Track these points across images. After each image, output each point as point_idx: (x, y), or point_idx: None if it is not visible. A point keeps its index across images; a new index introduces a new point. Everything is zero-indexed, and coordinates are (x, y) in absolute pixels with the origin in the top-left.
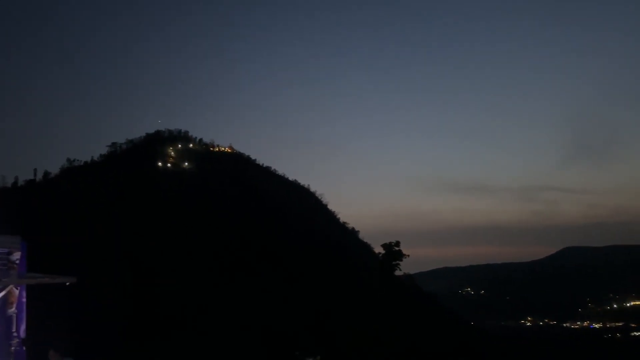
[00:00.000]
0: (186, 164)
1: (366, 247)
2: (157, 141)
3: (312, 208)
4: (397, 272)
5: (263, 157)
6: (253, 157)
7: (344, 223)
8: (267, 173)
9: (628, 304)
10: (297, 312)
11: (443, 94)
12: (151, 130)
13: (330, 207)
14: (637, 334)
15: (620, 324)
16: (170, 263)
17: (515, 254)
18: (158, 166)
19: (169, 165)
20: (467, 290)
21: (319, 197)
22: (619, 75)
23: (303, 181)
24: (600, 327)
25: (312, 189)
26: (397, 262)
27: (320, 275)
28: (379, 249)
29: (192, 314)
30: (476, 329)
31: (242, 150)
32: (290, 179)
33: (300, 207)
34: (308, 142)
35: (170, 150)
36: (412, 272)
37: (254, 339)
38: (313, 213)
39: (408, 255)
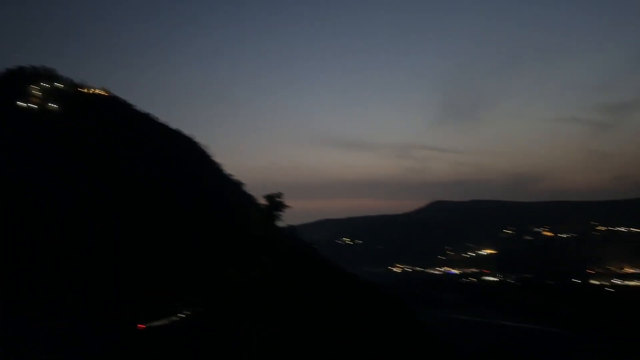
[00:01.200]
0: (52, 105)
1: (250, 199)
2: (20, 78)
3: (195, 158)
4: (280, 223)
5: (144, 103)
6: (131, 102)
7: (229, 175)
8: (146, 120)
9: (484, 253)
10: (175, 261)
11: (326, 52)
12: (12, 66)
13: (216, 159)
14: (487, 278)
15: (475, 270)
16: None
17: (391, 206)
18: (18, 105)
19: (31, 105)
20: (345, 240)
21: (203, 148)
22: (486, 44)
23: (188, 131)
24: (458, 272)
25: (197, 140)
26: (279, 212)
27: (199, 225)
28: (263, 201)
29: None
30: (348, 274)
31: (120, 94)
32: (173, 127)
33: (181, 156)
34: (195, 92)
35: (33, 89)
36: (295, 223)
37: (129, 291)
38: (196, 164)
39: (290, 207)
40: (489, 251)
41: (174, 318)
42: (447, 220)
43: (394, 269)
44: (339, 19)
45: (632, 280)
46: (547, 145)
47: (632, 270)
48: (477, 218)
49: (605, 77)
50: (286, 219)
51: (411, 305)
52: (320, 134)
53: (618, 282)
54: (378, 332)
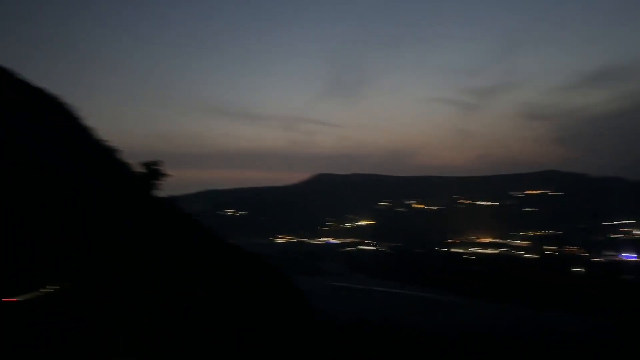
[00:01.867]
0: None
1: (126, 167)
2: None
3: (60, 120)
4: (160, 193)
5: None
6: None
7: (101, 140)
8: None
9: (362, 223)
10: (43, 230)
11: (214, 18)
12: None
13: (88, 122)
14: (364, 247)
15: (354, 240)
16: None
17: (275, 178)
18: None
19: None
20: (229, 212)
21: (70, 109)
22: (371, 22)
23: (58, 91)
24: (337, 241)
25: (64, 100)
26: (157, 181)
27: (68, 192)
28: (140, 169)
29: None
30: (230, 245)
31: None
32: (34, 85)
33: (42, 116)
34: (68, 50)
35: None
36: (176, 194)
37: None
38: (60, 127)
39: (170, 175)
40: (367, 222)
41: (39, 292)
42: (330, 193)
43: (278, 240)
44: None
45: (488, 249)
46: (422, 123)
47: (488, 240)
48: (357, 191)
49: (475, 63)
50: (166, 189)
51: (292, 274)
52: (205, 102)
53: (476, 250)
54: (255, 301)
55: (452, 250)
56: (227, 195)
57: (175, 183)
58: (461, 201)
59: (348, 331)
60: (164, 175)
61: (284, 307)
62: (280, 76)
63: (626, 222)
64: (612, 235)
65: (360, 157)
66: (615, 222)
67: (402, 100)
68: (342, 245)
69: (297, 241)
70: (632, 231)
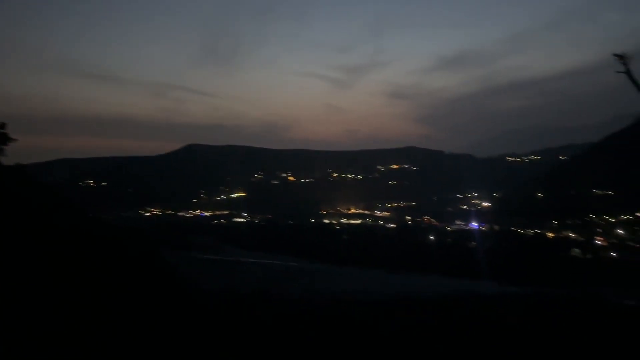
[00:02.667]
0: None
1: None
2: None
3: None
4: (4, 160)
5: None
6: None
7: None
8: None
9: (234, 196)
10: None
11: None
12: None
13: None
14: (237, 219)
15: (226, 212)
16: None
17: (143, 147)
18: None
19: None
20: (89, 183)
21: None
22: None
23: None
24: (209, 214)
25: None
26: (1, 146)
27: None
28: None
29: None
30: (90, 218)
31: None
32: None
33: None
34: None
35: None
36: (25, 162)
37: None
38: None
39: (16, 139)
40: (240, 194)
41: None
42: (202, 164)
43: (146, 213)
44: None
45: (355, 219)
46: (295, 97)
47: (355, 211)
48: (231, 162)
49: (346, 41)
50: (13, 156)
51: (162, 248)
52: (62, 62)
53: (345, 221)
54: (121, 275)
55: (323, 221)
56: (88, 164)
57: (25, 150)
58: (332, 174)
59: (218, 302)
60: (9, 139)
61: (150, 278)
62: (150, 39)
63: (475, 195)
64: (462, 207)
65: (234, 128)
66: (465, 195)
67: (276, 73)
68: (215, 217)
69: (167, 214)
70: (479, 203)
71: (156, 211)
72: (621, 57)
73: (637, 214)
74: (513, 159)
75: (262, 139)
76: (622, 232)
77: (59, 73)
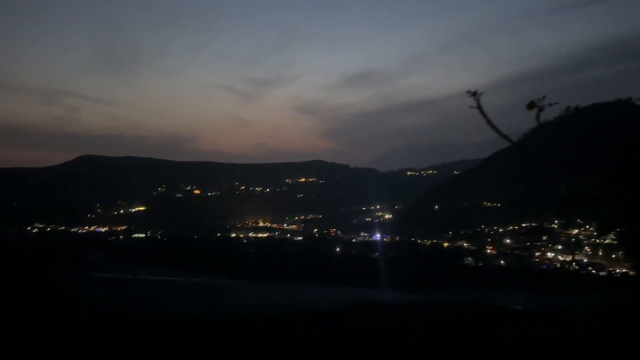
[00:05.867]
0: None
1: None
2: None
3: None
4: None
5: None
6: None
7: None
8: None
9: (133, 210)
10: None
11: None
12: None
13: None
14: (137, 235)
15: (124, 227)
16: None
17: (32, 158)
18: None
19: None
20: None
21: None
22: None
23: None
24: (106, 230)
25: None
26: None
27: None
28: None
29: None
30: None
31: None
32: None
33: None
34: None
35: None
36: None
37: None
38: None
39: None
40: (139, 208)
41: None
42: (98, 176)
43: (34, 229)
44: None
45: (263, 233)
46: (201, 108)
47: (263, 224)
48: (130, 175)
49: (254, 54)
50: None
51: (52, 267)
52: None
53: (252, 234)
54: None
55: (230, 235)
56: None
57: None
58: (239, 188)
59: (109, 323)
60: None
61: (40, 301)
62: (39, 41)
63: (378, 207)
64: (366, 219)
65: (134, 139)
66: (369, 207)
67: (180, 83)
68: (112, 233)
69: (59, 230)
70: (382, 215)
71: (46, 227)
72: (474, 94)
73: (522, 225)
74: (412, 173)
75: (164, 150)
76: (509, 240)
77: None
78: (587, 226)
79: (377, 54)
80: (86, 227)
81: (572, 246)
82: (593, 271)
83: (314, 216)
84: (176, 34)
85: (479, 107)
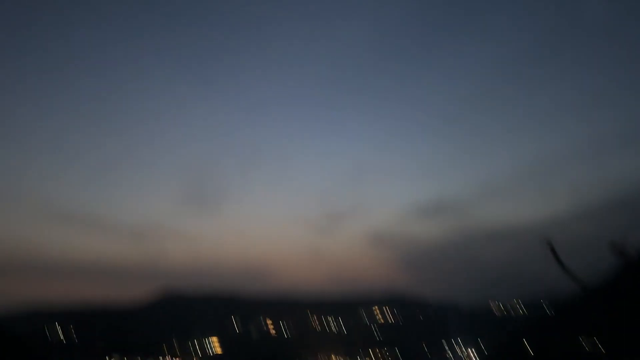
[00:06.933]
0: None
1: None
2: None
3: None
4: None
5: None
6: None
7: None
8: None
9: (212, 344)
10: None
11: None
12: None
13: None
14: None
15: None
16: None
17: (115, 293)
18: None
19: None
20: (56, 333)
21: None
22: (231, 138)
23: None
24: None
25: None
26: None
27: None
28: None
29: None
30: None
31: None
32: None
33: None
34: None
35: None
36: None
37: None
38: None
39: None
40: (217, 342)
41: None
42: (178, 314)
43: None
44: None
45: None
46: (278, 241)
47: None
48: (210, 308)
49: (329, 186)
50: None
51: None
52: (32, 201)
53: None
54: None
55: None
56: (58, 313)
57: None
58: (315, 321)
59: None
60: None
61: None
62: (131, 180)
63: (460, 343)
64: (447, 356)
65: (214, 272)
66: (450, 343)
67: (259, 217)
68: None
69: None
70: (465, 351)
71: None
72: (549, 245)
73: None
74: (497, 307)
75: (243, 283)
76: None
77: (29, 214)
78: None
79: (451, 182)
80: None
81: None
82: None
83: (390, 351)
84: (257, 172)
85: (556, 256)
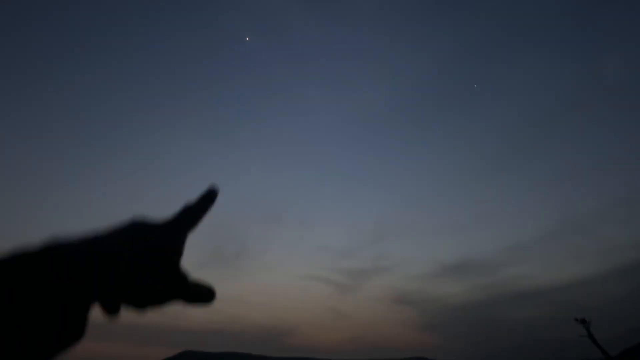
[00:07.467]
0: None
1: None
2: None
3: None
4: None
5: None
6: None
7: None
8: None
9: None
10: None
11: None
12: None
13: None
14: None
15: None
16: None
17: (133, 353)
18: None
19: None
20: None
21: None
22: (256, 197)
23: None
24: None
25: None
26: None
27: None
28: None
29: None
30: None
31: None
32: None
33: None
34: None
35: None
36: None
37: None
38: None
39: None
40: None
41: None
42: None
43: None
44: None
45: None
46: (298, 300)
47: None
48: None
49: (349, 246)
50: None
51: None
52: None
53: None
54: None
55: None
56: None
57: None
58: None
59: None
60: None
61: None
62: None
63: None
64: None
65: (234, 333)
66: None
67: (279, 276)
68: None
69: None
70: None
71: None
72: (583, 322)
73: None
74: None
75: (262, 344)
76: None
77: None
78: None
79: (476, 242)
80: None
81: None
82: None
83: None
84: (278, 231)
85: (590, 336)
